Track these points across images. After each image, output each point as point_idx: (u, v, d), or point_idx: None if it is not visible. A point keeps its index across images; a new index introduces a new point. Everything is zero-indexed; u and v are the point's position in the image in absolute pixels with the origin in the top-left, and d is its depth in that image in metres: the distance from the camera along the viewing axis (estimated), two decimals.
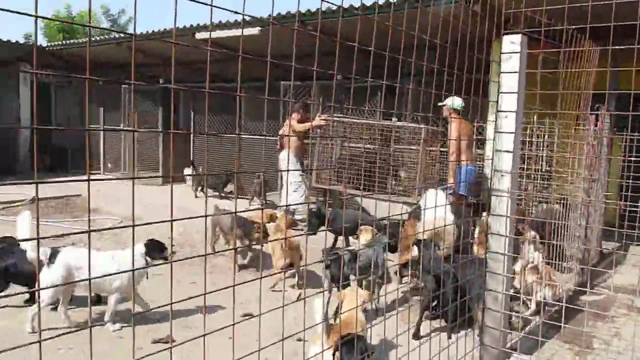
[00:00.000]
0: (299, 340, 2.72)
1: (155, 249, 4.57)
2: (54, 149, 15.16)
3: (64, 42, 12.76)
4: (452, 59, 2.65)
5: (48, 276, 4.18)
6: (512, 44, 3.26)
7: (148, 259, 4.48)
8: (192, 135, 11.93)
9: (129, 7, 28.19)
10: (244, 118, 11.80)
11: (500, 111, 3.30)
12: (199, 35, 9.69)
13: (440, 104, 6.80)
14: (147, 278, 4.58)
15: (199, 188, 10.67)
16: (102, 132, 14.05)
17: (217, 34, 9.32)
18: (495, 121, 3.34)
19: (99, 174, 14.36)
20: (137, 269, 4.30)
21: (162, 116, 12.61)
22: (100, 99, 14.03)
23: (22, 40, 13.71)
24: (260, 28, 8.82)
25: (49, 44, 14.07)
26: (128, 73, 14.30)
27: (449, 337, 3.94)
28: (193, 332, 4.28)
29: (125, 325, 4.48)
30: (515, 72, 3.25)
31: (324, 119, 7.72)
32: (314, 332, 3.03)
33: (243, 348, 1.98)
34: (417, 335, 4.02)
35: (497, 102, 3.30)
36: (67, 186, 11.90)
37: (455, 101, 6.60)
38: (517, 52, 3.24)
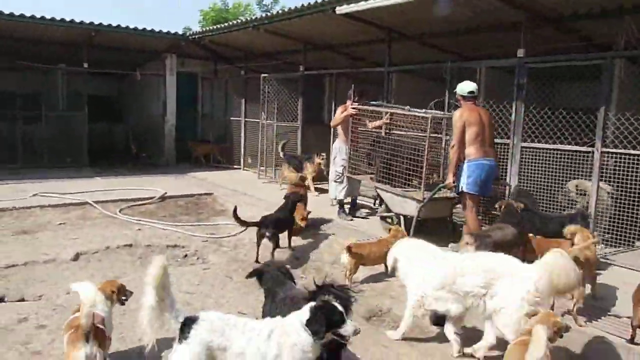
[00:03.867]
0: None
1: (327, 320, 2.77)
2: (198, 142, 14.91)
3: (202, 29, 12.05)
4: None
5: None
6: None
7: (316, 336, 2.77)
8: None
9: None
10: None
11: None
12: (340, 10, 8.02)
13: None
14: None
15: None
16: (242, 126, 13.30)
17: (360, 5, 7.55)
18: None
19: (239, 168, 13.66)
20: None
21: (301, 107, 11.31)
22: (243, 90, 13.25)
23: (181, 31, 13.33)
24: None
25: (189, 32, 13.63)
26: (270, 60, 13.32)
27: None
28: None
29: None
30: None
31: (354, 107, 7.62)
32: None
33: None
34: None
35: None
36: (200, 183, 11.21)
37: (462, 86, 5.92)
38: None
